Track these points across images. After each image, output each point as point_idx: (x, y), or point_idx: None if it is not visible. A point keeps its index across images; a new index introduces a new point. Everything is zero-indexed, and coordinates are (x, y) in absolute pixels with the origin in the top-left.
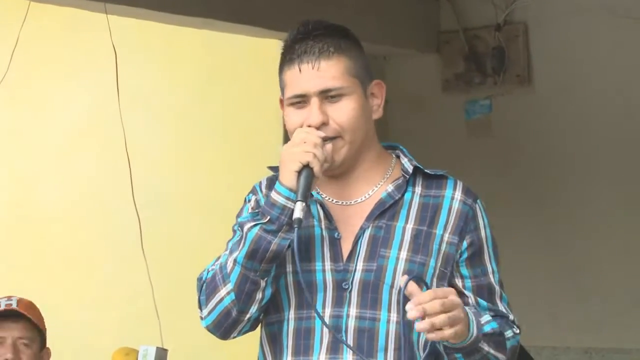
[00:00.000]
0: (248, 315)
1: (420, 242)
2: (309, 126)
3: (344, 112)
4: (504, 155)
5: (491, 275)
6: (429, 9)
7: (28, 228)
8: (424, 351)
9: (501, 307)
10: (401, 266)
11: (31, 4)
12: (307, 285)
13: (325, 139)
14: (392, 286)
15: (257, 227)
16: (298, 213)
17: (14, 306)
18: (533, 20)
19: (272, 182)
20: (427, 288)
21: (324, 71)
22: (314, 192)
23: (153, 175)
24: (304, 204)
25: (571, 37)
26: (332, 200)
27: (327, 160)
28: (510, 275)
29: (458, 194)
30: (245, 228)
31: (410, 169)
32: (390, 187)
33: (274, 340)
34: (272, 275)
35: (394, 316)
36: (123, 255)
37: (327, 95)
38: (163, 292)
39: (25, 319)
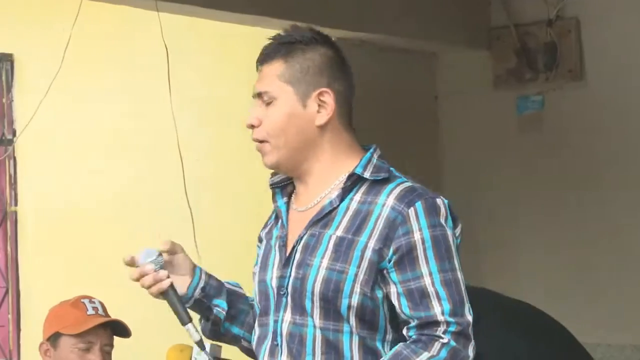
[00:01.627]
0: (230, 338)
1: (342, 250)
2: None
3: (270, 117)
4: (554, 150)
5: (426, 278)
6: (480, 5)
7: (81, 224)
8: (358, 351)
9: (436, 310)
10: (321, 274)
11: (83, 2)
12: (264, 293)
13: (256, 141)
14: (312, 293)
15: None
16: (195, 337)
17: (100, 311)
18: (585, 15)
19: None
20: None
21: (262, 75)
22: (281, 202)
23: (205, 169)
24: (191, 325)
25: (623, 32)
26: (295, 206)
27: (170, 262)
28: (567, 271)
29: (390, 200)
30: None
31: (346, 175)
32: (334, 194)
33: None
34: (221, 303)
35: (318, 322)
36: None
37: (262, 99)
38: None
39: (111, 325)
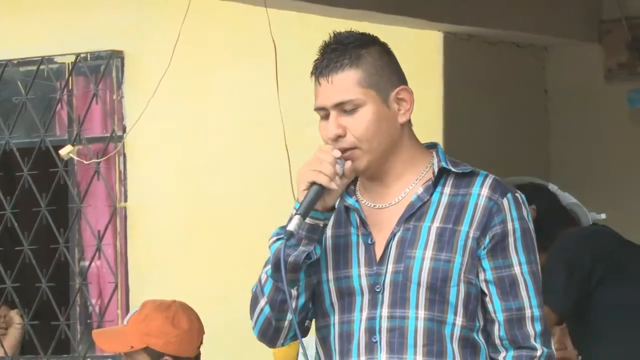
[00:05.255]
0: (286, 323)
1: (445, 239)
2: (329, 138)
3: (359, 123)
4: None
5: (516, 267)
6: None
7: (190, 220)
8: (458, 344)
9: (524, 301)
10: (427, 265)
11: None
12: (346, 291)
13: (343, 151)
14: (418, 284)
15: (280, 241)
16: (290, 226)
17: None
18: None
19: None
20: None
21: (337, 85)
22: (351, 200)
23: None
24: (300, 218)
25: None
26: (369, 204)
27: (347, 176)
28: None
29: (485, 191)
30: (270, 242)
31: (437, 170)
32: (420, 189)
33: (324, 343)
34: (302, 283)
35: (421, 313)
36: None
37: (343, 108)
38: None
39: None
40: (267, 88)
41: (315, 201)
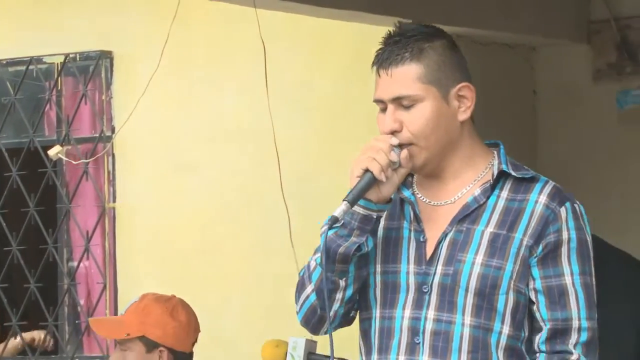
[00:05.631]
0: (332, 312)
1: (497, 246)
2: (385, 132)
3: (416, 119)
4: None
5: (567, 277)
6: None
7: (179, 221)
8: (503, 353)
9: (573, 311)
10: (476, 270)
11: (181, 0)
12: (391, 285)
13: (400, 146)
14: (467, 290)
15: (331, 231)
16: (336, 211)
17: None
18: None
19: None
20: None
21: (396, 78)
22: (408, 193)
23: (302, 168)
24: (347, 204)
25: None
26: (425, 200)
27: (403, 165)
28: None
29: (543, 198)
30: (321, 230)
31: (496, 172)
32: (477, 191)
33: (365, 336)
34: (351, 275)
35: (468, 319)
36: (272, 248)
37: (401, 103)
38: None
39: None
40: (257, 89)
41: (367, 189)
